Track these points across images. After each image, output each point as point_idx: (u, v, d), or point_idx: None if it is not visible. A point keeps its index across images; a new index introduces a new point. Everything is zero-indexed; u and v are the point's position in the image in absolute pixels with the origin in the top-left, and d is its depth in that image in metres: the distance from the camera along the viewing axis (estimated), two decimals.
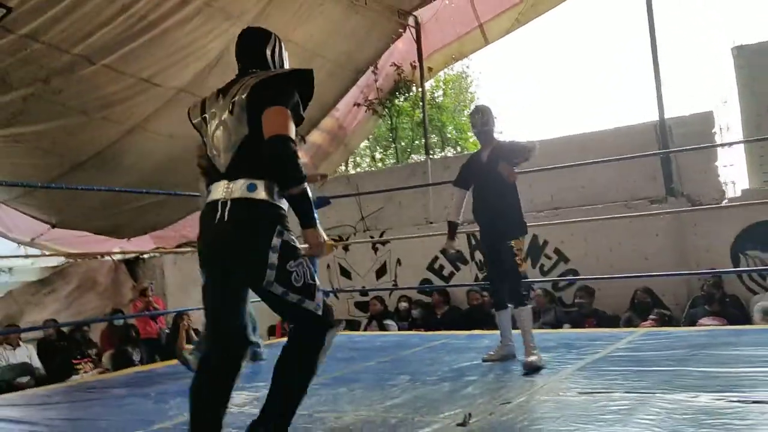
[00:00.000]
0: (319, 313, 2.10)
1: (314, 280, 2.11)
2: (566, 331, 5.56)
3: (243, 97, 2.08)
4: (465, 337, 5.24)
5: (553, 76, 30.34)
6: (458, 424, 2.52)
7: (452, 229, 4.18)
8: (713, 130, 6.89)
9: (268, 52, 2.25)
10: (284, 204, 2.11)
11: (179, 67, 6.71)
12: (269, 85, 2.08)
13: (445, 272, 8.39)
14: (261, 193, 2.06)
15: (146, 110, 7.16)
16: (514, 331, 3.90)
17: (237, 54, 2.30)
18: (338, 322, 2.17)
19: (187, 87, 7.07)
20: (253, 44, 2.27)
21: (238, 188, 2.05)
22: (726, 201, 6.62)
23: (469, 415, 2.61)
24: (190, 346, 7.64)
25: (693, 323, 5.73)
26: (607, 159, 6.30)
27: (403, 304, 7.82)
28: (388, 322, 7.78)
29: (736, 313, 5.69)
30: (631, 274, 6.45)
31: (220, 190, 2.09)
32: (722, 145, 6.83)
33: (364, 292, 8.83)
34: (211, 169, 2.20)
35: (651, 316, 5.91)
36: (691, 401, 2.55)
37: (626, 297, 6.57)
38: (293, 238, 2.10)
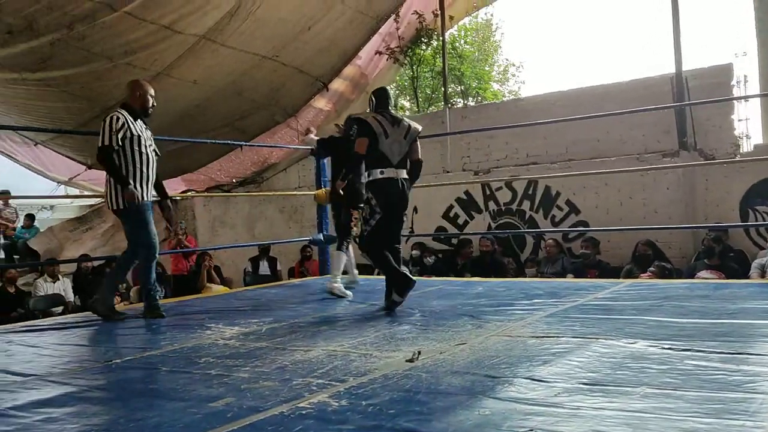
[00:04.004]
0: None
1: None
2: (558, 280, 5.69)
3: (413, 134, 4.34)
4: (461, 283, 5.42)
5: (573, 25, 29.31)
6: (407, 360, 2.74)
7: None
8: (732, 83, 6.74)
9: (392, 102, 4.28)
10: None
11: (198, 15, 6.88)
12: (418, 134, 4.41)
13: (460, 221, 8.55)
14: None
15: (170, 57, 7.38)
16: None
17: (380, 99, 4.41)
18: None
19: (207, 34, 7.25)
20: (388, 96, 4.50)
21: (403, 173, 4.30)
22: (739, 156, 6.53)
23: (419, 352, 2.83)
24: (211, 285, 8.10)
25: (692, 276, 5.79)
26: (620, 112, 6.26)
27: (416, 252, 8.05)
28: (402, 268, 8.02)
29: (734, 267, 5.71)
30: (636, 226, 6.50)
31: (393, 173, 4.24)
32: (736, 98, 6.68)
33: None
34: (383, 158, 4.21)
35: (650, 269, 5.97)
36: (626, 347, 2.69)
37: (631, 249, 6.64)
38: None
